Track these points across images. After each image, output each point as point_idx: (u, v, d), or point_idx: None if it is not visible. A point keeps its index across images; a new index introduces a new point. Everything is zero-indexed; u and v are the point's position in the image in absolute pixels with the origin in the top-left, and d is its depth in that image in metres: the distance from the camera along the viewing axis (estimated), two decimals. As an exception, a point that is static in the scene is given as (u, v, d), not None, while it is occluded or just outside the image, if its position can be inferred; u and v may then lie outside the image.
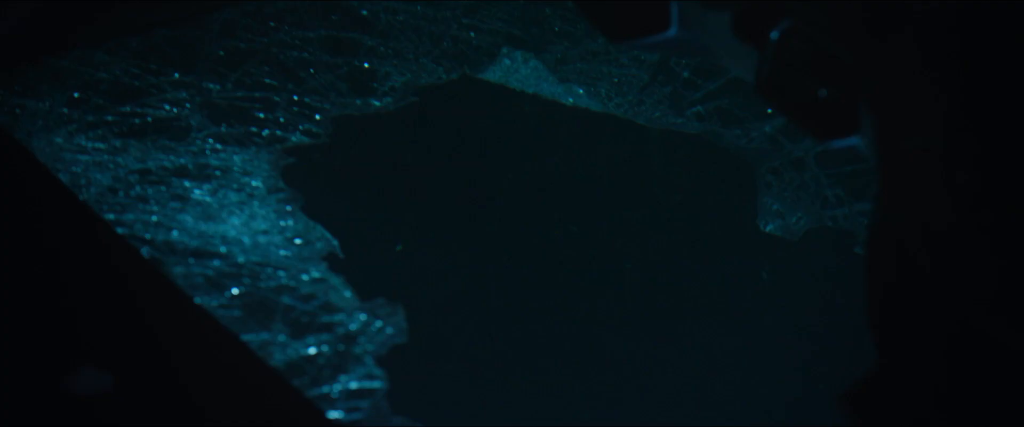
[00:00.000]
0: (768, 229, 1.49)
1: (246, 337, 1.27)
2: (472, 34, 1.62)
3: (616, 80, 1.59)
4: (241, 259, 1.35)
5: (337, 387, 1.28)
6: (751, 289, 1.43)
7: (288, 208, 1.41)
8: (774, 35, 1.21)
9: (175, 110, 1.47)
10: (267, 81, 1.52)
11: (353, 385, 1.28)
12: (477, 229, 1.44)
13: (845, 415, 1.17)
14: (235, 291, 1.32)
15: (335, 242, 1.40)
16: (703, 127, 1.57)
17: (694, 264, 1.43)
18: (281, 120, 1.49)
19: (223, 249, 1.35)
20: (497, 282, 1.39)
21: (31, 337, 1.20)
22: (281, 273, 1.35)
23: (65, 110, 1.43)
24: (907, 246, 1.12)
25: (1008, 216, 1.08)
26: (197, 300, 1.29)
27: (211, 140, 1.46)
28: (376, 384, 1.29)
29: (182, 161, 1.43)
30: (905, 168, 1.12)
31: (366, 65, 1.56)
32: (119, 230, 1.33)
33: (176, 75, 1.49)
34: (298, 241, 1.38)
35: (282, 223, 1.39)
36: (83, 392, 1.18)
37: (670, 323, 1.37)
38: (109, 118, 1.45)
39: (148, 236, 1.35)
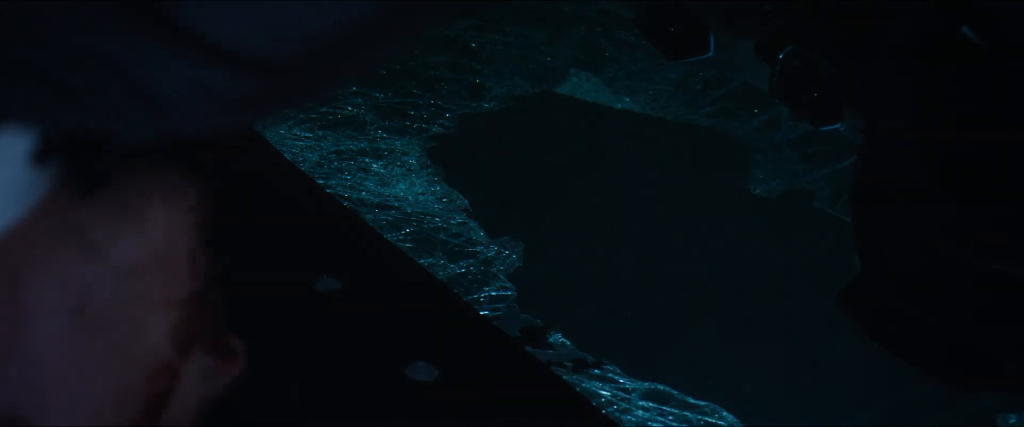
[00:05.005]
0: (757, 191, 1.63)
1: (421, 261, 1.44)
2: (549, 59, 1.76)
3: (651, 91, 1.73)
4: (409, 210, 1.52)
5: (482, 295, 1.45)
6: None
7: (435, 178, 1.58)
8: (781, 56, 1.38)
9: (355, 110, 1.64)
10: (414, 90, 1.68)
11: (492, 293, 1.45)
12: (558, 192, 1.59)
13: (842, 310, 1.30)
14: (407, 230, 1.50)
15: (466, 201, 1.56)
16: (711, 122, 1.70)
17: (700, 220, 1.56)
18: (424, 117, 1.66)
19: (396, 204, 1.53)
20: (575, 227, 1.54)
21: (287, 256, 1.37)
22: (437, 219, 1.52)
23: (284, 111, 1.60)
24: (884, 188, 1.27)
25: (959, 166, 1.22)
26: (386, 236, 1.46)
27: (380, 131, 1.63)
28: (507, 292, 1.46)
29: (362, 145, 1.60)
30: (883, 137, 1.27)
31: (477, 81, 1.72)
32: (327, 190, 1.51)
33: (354, 87, 1.65)
34: (444, 200, 1.55)
35: (431, 188, 1.56)
36: (323, 290, 1.35)
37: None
38: (313, 116, 1.61)
39: (346, 194, 1.52)
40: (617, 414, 1.31)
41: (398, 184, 1.55)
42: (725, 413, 1.33)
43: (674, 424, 1.33)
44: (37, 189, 0.67)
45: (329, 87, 0.58)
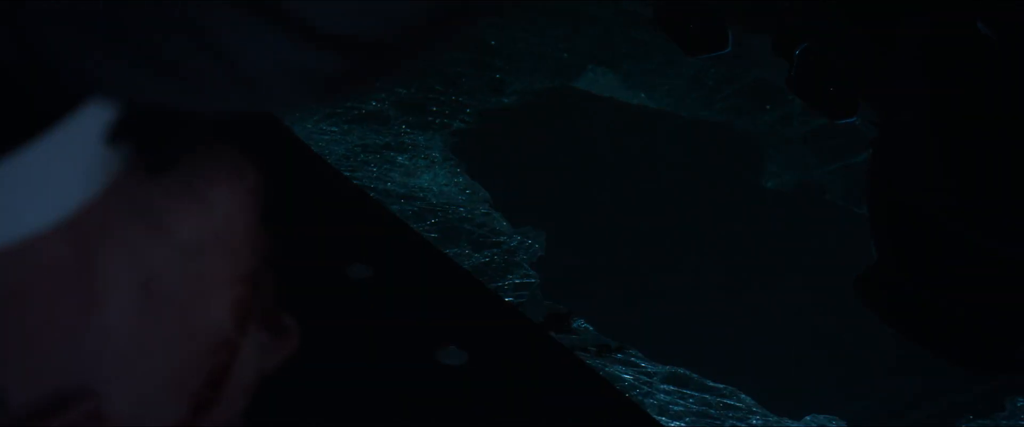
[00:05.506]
0: (770, 185, 1.65)
1: (447, 250, 1.46)
2: (566, 55, 1.78)
3: (666, 88, 1.75)
4: (434, 201, 1.54)
5: (506, 282, 1.47)
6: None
7: (457, 170, 1.60)
8: (797, 52, 1.40)
9: (379, 106, 1.66)
10: (437, 87, 1.70)
11: (516, 281, 1.47)
12: (578, 184, 1.61)
13: (858, 295, 1.32)
14: (432, 221, 1.52)
15: (487, 193, 1.58)
16: (724, 117, 1.72)
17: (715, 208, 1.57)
18: (446, 112, 1.68)
19: (421, 195, 1.55)
20: (595, 218, 1.56)
21: (319, 244, 1.39)
22: (461, 209, 1.54)
23: (312, 106, 1.62)
24: (899, 179, 1.29)
25: (964, 156, 1.25)
26: (412, 226, 1.48)
27: (404, 126, 1.65)
28: (531, 280, 1.47)
29: (387, 139, 1.62)
30: (898, 131, 1.30)
31: (498, 76, 1.74)
32: (354, 182, 1.53)
33: (378, 83, 1.67)
34: (467, 191, 1.57)
35: (454, 180, 1.58)
36: (354, 277, 1.38)
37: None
38: (339, 111, 1.63)
39: (372, 185, 1.54)
40: (639, 397, 1.33)
41: (422, 176, 1.57)
42: (743, 395, 1.35)
43: (694, 406, 1.34)
44: (110, 168, 0.69)
45: (413, 64, 0.59)
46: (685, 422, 1.32)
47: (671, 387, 1.36)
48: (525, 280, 1.46)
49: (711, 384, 1.36)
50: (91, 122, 0.67)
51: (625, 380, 1.36)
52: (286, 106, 0.59)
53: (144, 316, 0.73)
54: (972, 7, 1.19)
